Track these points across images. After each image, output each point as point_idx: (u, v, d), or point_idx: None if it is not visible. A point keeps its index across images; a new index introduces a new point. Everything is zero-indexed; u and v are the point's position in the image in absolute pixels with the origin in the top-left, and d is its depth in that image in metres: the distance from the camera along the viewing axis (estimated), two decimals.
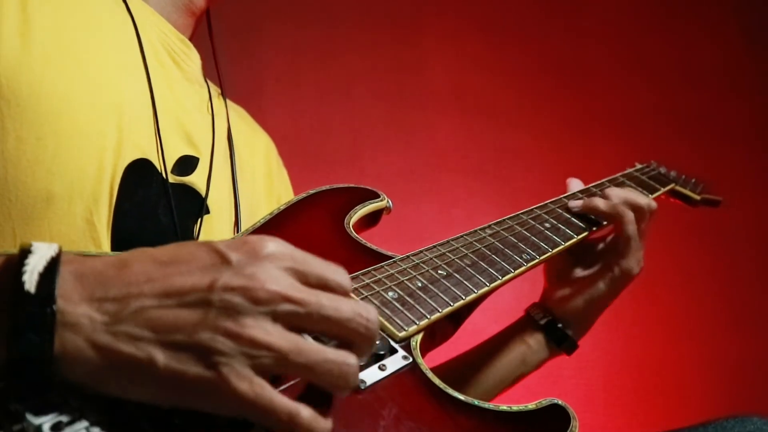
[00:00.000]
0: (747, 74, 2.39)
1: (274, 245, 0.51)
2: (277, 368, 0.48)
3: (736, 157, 2.28)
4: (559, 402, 0.65)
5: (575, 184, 1.07)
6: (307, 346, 0.48)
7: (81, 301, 0.47)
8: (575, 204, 0.99)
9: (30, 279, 0.46)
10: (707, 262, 2.19)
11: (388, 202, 0.90)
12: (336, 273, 0.53)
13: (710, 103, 2.33)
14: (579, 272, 1.04)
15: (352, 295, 0.56)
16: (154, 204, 0.80)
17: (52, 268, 0.47)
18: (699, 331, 2.11)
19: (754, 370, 2.09)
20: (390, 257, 0.78)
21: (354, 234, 0.82)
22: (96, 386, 0.47)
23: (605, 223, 1.00)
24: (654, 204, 1.02)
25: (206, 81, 0.98)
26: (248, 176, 0.99)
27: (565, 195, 1.04)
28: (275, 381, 0.50)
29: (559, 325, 1.02)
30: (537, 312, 1.04)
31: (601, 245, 1.04)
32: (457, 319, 0.82)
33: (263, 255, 0.50)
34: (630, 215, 0.98)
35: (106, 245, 0.73)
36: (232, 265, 0.49)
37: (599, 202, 0.98)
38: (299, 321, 0.49)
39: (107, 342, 0.46)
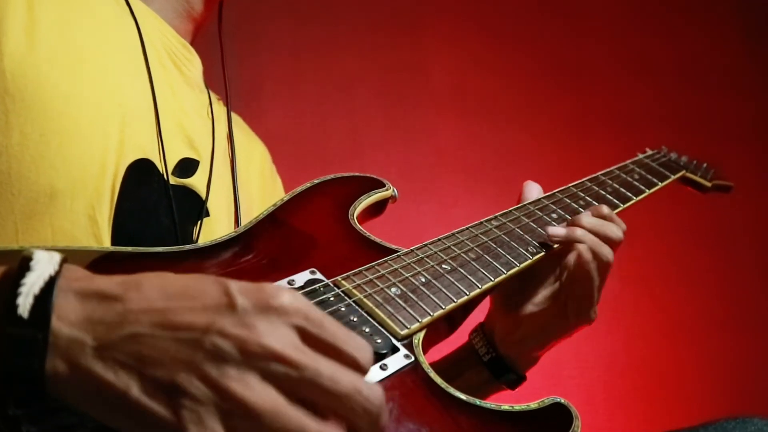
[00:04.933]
0: (747, 74, 2.38)
1: (288, 298, 0.47)
2: (248, 429, 0.44)
3: (736, 157, 2.27)
4: (562, 401, 0.65)
5: (533, 191, 0.97)
6: (286, 412, 0.44)
7: (77, 322, 0.45)
8: (556, 232, 0.86)
9: (24, 302, 0.44)
10: (707, 262, 2.18)
11: (393, 190, 0.88)
12: (355, 347, 0.48)
13: (710, 103, 2.32)
14: (529, 304, 0.92)
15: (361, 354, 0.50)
16: (155, 204, 0.80)
17: (48, 289, 0.45)
18: (699, 331, 2.11)
19: (754, 371, 2.09)
20: (394, 251, 0.77)
21: (358, 226, 0.81)
22: (77, 406, 0.46)
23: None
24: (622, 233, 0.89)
25: (207, 87, 0.99)
26: (244, 182, 0.99)
27: (574, 184, 0.99)
28: None
29: (505, 363, 0.93)
30: (480, 344, 0.95)
31: (553, 276, 0.93)
32: (453, 319, 0.82)
33: (273, 306, 0.46)
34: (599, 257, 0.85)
35: (107, 242, 0.73)
36: (236, 311, 0.46)
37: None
38: (290, 385, 0.45)
39: (91, 366, 0.45)
